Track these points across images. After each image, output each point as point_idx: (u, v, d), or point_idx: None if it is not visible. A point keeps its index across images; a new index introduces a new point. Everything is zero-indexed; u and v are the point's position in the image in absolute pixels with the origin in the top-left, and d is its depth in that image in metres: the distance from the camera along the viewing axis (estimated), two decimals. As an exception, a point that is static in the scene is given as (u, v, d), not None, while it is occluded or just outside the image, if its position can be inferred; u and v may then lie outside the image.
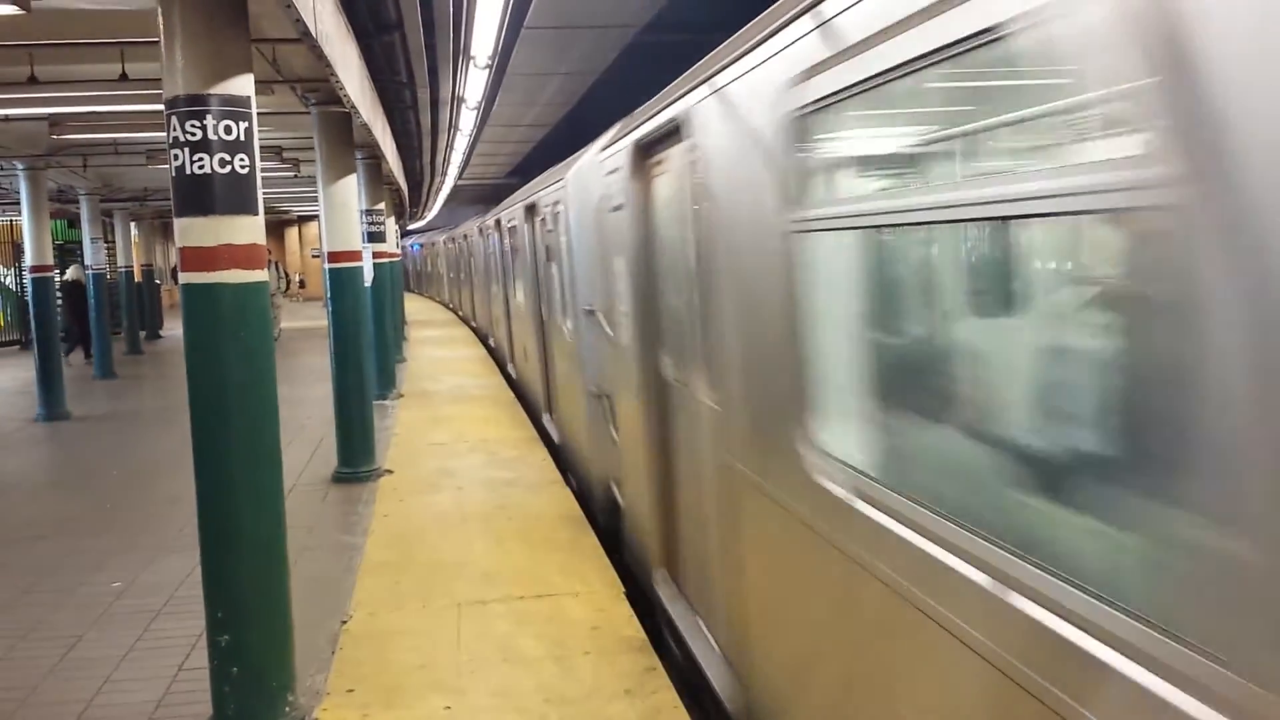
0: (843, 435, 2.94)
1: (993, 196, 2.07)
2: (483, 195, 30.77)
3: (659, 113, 4.73)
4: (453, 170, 22.89)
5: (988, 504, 2.33)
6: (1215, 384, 1.47)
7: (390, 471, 9.05)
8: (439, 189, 27.33)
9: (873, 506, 2.61)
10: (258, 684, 4.26)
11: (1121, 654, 1.65)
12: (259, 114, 4.34)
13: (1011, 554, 1.99)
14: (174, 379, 14.95)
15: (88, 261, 17.92)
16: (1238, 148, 1.40)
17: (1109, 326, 2.05)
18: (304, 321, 26.59)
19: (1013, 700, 1.93)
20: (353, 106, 7.93)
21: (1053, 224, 2.28)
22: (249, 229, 4.18)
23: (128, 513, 8.12)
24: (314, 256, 39.10)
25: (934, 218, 2.38)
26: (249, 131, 4.15)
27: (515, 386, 13.93)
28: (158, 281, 27.29)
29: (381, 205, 14.06)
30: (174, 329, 23.41)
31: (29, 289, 13.78)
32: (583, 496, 7.96)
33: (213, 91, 4.05)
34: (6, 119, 10.19)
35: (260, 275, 4.27)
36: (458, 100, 12.59)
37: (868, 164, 3.22)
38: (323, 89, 8.24)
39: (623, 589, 5.75)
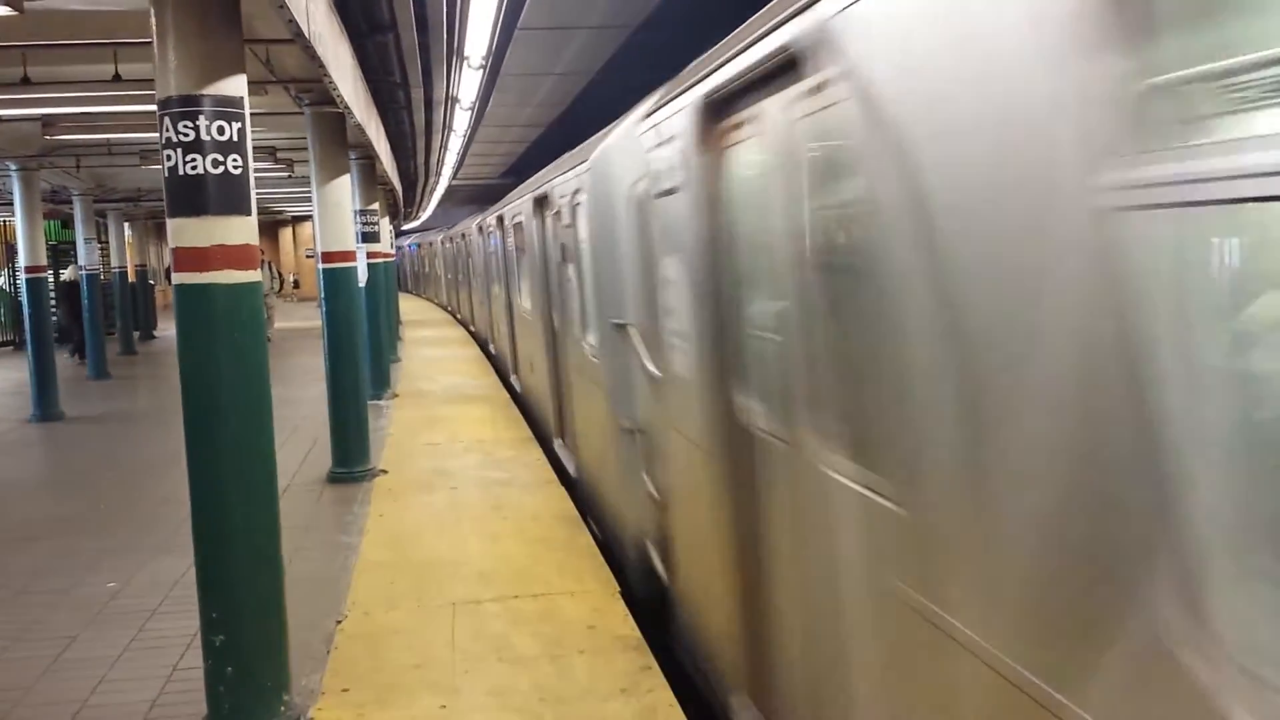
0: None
1: None
2: (477, 195, 30.75)
3: (749, 47, 3.28)
4: (447, 171, 22.87)
5: None
6: None
7: (385, 471, 9.05)
8: (433, 189, 27.31)
9: None
10: (252, 684, 4.26)
11: None
12: (252, 114, 4.34)
13: None
14: (168, 379, 14.91)
15: (81, 262, 17.90)
16: None
17: None
18: (298, 322, 26.57)
19: None
20: (346, 107, 7.92)
21: None
22: (242, 229, 4.18)
23: (122, 513, 8.11)
24: (308, 257, 39.11)
25: None
26: (242, 132, 4.16)
27: (518, 399, 12.76)
28: (151, 282, 27.23)
29: (375, 205, 14.04)
30: (168, 329, 23.40)
31: (23, 290, 13.74)
32: (606, 548, 6.65)
33: (205, 92, 4.05)
34: (0, 120, 10.17)
35: (254, 276, 4.27)
36: (452, 100, 12.59)
37: None
38: (316, 89, 8.24)
39: (618, 588, 5.76)
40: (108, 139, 11.97)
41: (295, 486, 8.66)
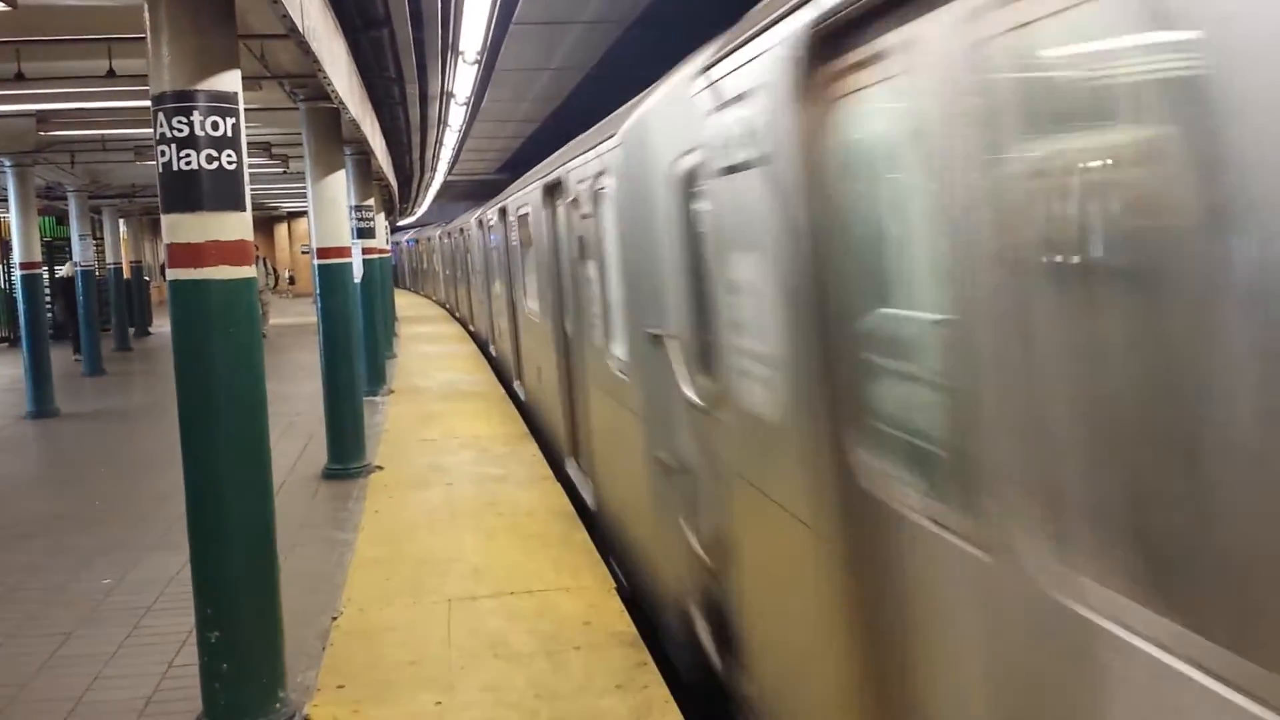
0: None
1: None
2: (473, 191, 30.71)
3: None
4: (442, 166, 22.84)
5: None
6: None
7: (380, 468, 9.04)
8: (429, 185, 27.27)
9: None
10: (248, 680, 4.25)
11: None
12: (247, 110, 4.33)
13: None
14: (163, 376, 14.88)
15: (76, 258, 17.87)
16: None
17: None
18: (294, 318, 26.54)
19: None
20: (341, 102, 7.91)
21: None
22: (237, 225, 4.18)
23: (117, 510, 8.10)
24: (304, 253, 39.04)
25: None
26: (236, 127, 4.15)
27: (521, 406, 11.89)
28: (146, 278, 27.19)
29: (371, 201, 14.03)
30: (163, 326, 23.35)
31: (17, 286, 13.73)
32: (633, 602, 5.68)
33: (199, 87, 4.04)
34: (-7, 115, 10.15)
35: (248, 271, 4.26)
36: (447, 96, 12.56)
37: None
38: (311, 84, 8.22)
39: (614, 584, 5.76)
40: (102, 135, 11.95)
41: (291, 483, 8.65)
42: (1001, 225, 1.99)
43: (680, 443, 4.52)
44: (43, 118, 10.30)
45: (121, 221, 24.31)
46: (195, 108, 4.03)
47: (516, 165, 22.89)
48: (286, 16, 5.01)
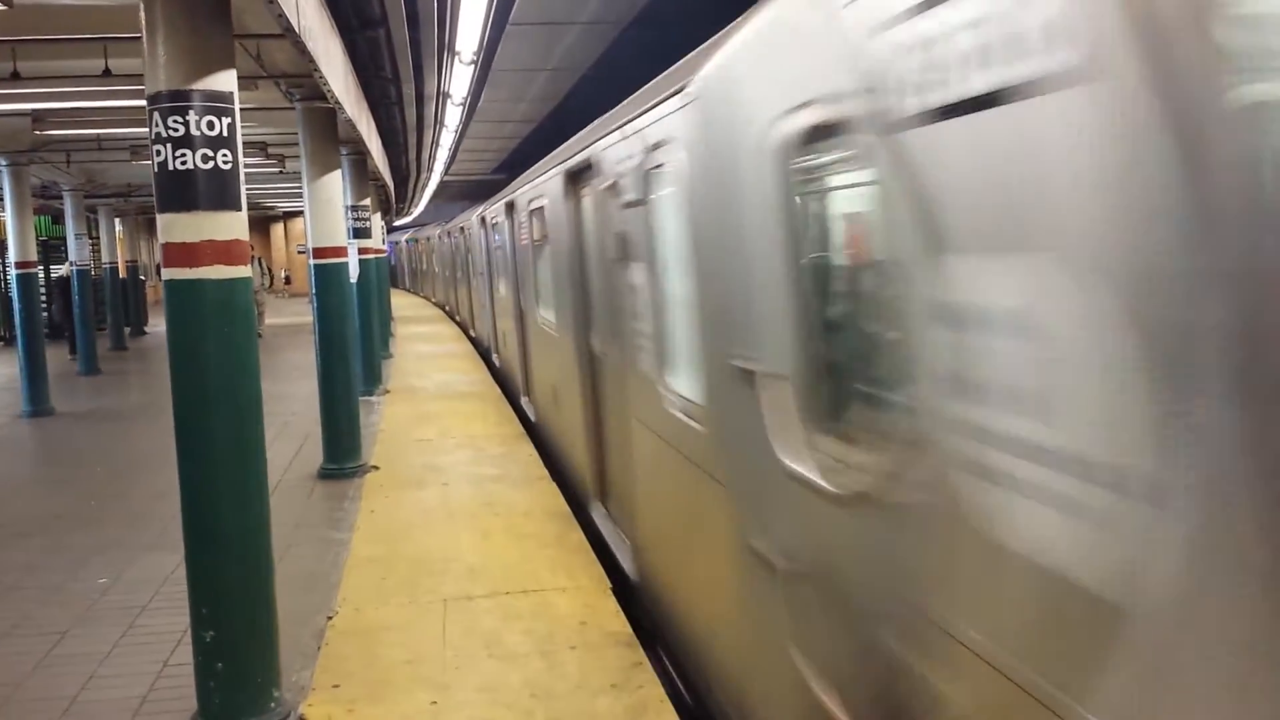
0: None
1: None
2: (470, 191, 30.72)
3: None
4: (439, 166, 22.86)
5: None
6: None
7: (376, 468, 9.04)
8: (425, 185, 27.28)
9: None
10: (243, 680, 4.26)
11: None
12: (242, 109, 4.34)
13: None
14: (158, 375, 14.88)
15: (71, 258, 17.86)
16: None
17: None
18: (289, 318, 26.52)
19: None
20: (337, 102, 7.91)
21: None
22: (232, 225, 4.18)
23: (113, 509, 8.10)
24: (300, 252, 39.02)
25: None
26: (232, 127, 4.15)
27: (529, 425, 10.69)
28: (142, 278, 27.17)
29: (367, 201, 14.03)
30: (159, 325, 23.31)
31: (13, 285, 13.73)
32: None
33: (195, 87, 4.04)
34: (-11, 114, 10.13)
35: (244, 271, 4.26)
36: (443, 96, 12.57)
37: None
38: (307, 84, 8.22)
39: (609, 584, 5.77)
40: (98, 134, 11.93)
41: (286, 482, 8.65)
42: None
43: (793, 533, 3.11)
44: (38, 117, 10.28)
45: (117, 221, 24.29)
46: (191, 107, 4.03)
47: (514, 166, 22.90)
48: (282, 16, 5.01)
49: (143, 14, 4.07)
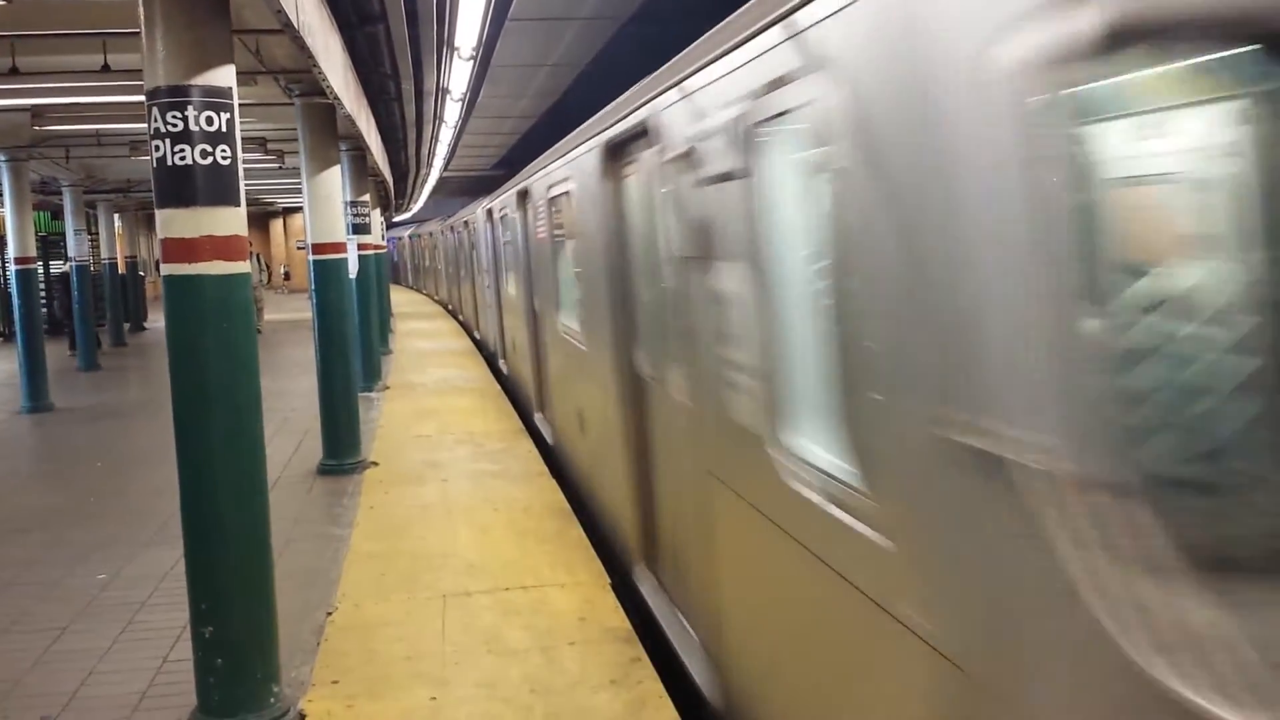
0: None
1: None
2: (469, 188, 30.70)
3: None
4: (438, 162, 22.83)
5: None
6: None
7: (376, 464, 9.04)
8: (425, 180, 27.26)
9: None
10: (242, 675, 4.25)
11: None
12: (241, 105, 4.33)
13: None
14: (157, 371, 14.89)
15: (71, 253, 17.87)
16: None
17: None
18: (289, 314, 26.52)
19: None
20: (336, 98, 7.90)
21: None
22: (231, 220, 4.17)
23: (112, 505, 8.10)
24: (299, 248, 39.00)
25: None
26: (231, 122, 4.14)
27: (544, 448, 9.38)
28: (141, 273, 27.17)
29: (366, 197, 14.02)
30: (158, 321, 23.32)
31: (12, 281, 13.73)
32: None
33: (194, 82, 4.04)
34: (-12, 110, 10.13)
35: (243, 267, 4.26)
36: (442, 92, 12.55)
37: None
38: (306, 80, 8.21)
39: (609, 580, 5.77)
40: (97, 129, 11.95)
41: (286, 478, 8.65)
42: None
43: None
44: (38, 112, 10.29)
45: (116, 216, 24.29)
46: (190, 103, 4.02)
47: (513, 161, 22.88)
48: (281, 11, 5.01)
49: (141, 9, 4.06)
